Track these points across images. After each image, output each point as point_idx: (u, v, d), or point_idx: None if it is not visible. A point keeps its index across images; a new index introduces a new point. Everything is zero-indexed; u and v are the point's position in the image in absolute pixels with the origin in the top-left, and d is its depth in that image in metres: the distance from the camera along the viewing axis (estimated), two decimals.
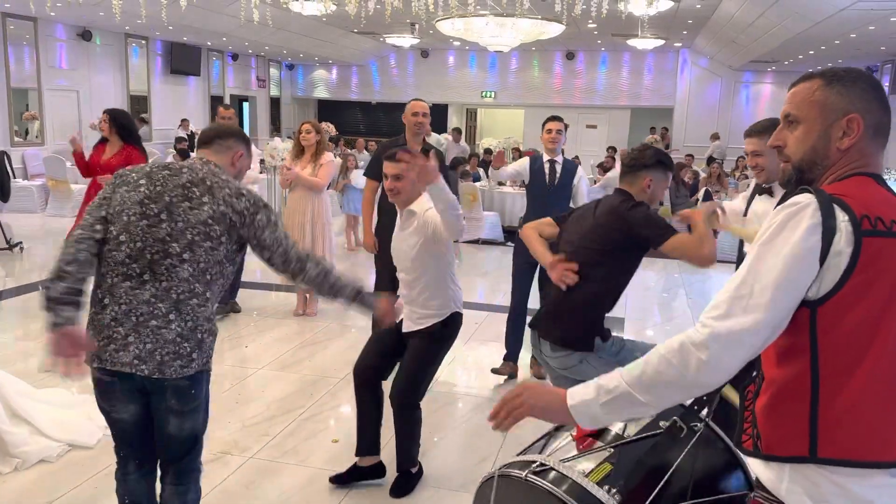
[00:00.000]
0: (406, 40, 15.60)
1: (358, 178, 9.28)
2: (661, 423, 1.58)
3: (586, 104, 18.73)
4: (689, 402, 1.57)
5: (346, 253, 8.77)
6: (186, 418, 2.24)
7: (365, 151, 14.20)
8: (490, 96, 19.49)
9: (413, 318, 3.20)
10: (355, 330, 5.63)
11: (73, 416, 3.65)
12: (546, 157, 4.69)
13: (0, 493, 3.09)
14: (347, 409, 4.15)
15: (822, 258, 1.22)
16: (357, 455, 3.29)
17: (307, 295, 5.97)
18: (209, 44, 16.51)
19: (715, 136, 16.66)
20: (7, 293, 6.28)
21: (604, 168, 12.16)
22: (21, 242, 8.05)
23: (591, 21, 13.23)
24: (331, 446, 3.67)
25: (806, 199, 1.25)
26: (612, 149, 14.27)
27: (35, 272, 7.18)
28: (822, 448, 1.22)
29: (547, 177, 4.67)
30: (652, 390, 1.29)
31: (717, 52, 16.33)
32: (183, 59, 16.11)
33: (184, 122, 15.32)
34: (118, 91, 14.40)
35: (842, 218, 1.22)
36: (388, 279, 4.30)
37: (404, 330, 3.22)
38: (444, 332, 3.19)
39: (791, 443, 1.25)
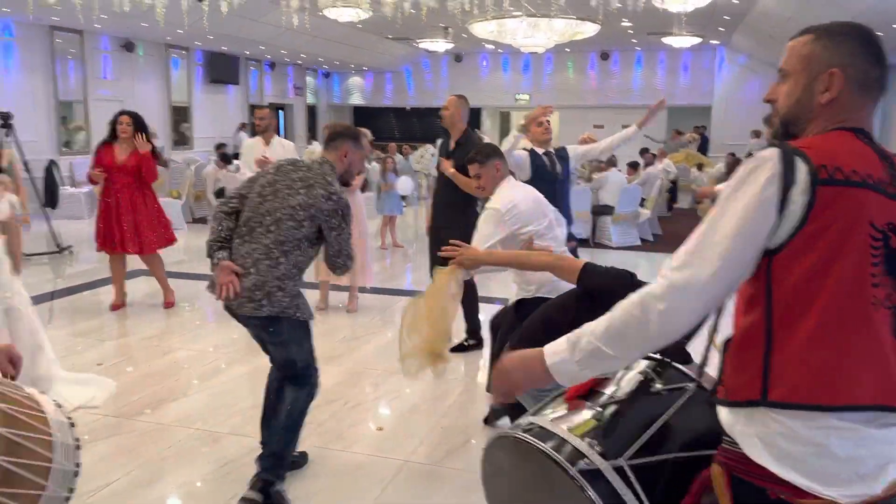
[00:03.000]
0: (439, 45, 15.69)
1: (400, 181, 9.42)
2: (655, 387, 1.62)
3: (622, 104, 18.59)
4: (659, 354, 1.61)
5: (379, 251, 8.97)
6: (277, 348, 2.97)
7: (398, 155, 14.33)
8: (524, 99, 19.47)
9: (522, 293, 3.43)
10: (395, 326, 5.68)
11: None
12: (541, 151, 4.67)
13: None
14: (390, 400, 4.20)
15: (781, 208, 1.24)
16: None
17: (349, 292, 6.07)
18: (247, 53, 16.83)
19: (756, 133, 16.38)
20: (58, 293, 6.47)
21: (646, 163, 12.20)
22: (71, 246, 8.31)
23: (625, 19, 13.17)
24: (376, 434, 3.72)
25: (769, 153, 1.27)
26: (646, 149, 14.13)
27: (84, 274, 7.39)
28: (772, 392, 1.25)
29: (549, 168, 4.64)
30: (618, 343, 1.34)
31: (756, 48, 16.09)
32: (222, 69, 16.44)
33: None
34: (160, 101, 14.75)
35: (801, 169, 1.24)
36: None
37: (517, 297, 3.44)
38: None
39: (746, 388, 1.29)
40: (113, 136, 5.74)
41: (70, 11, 9.10)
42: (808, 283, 1.24)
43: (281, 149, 6.04)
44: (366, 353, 5.02)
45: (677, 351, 1.71)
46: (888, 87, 1.38)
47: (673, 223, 11.51)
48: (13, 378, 1.55)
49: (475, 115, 19.05)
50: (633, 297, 1.33)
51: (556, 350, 1.41)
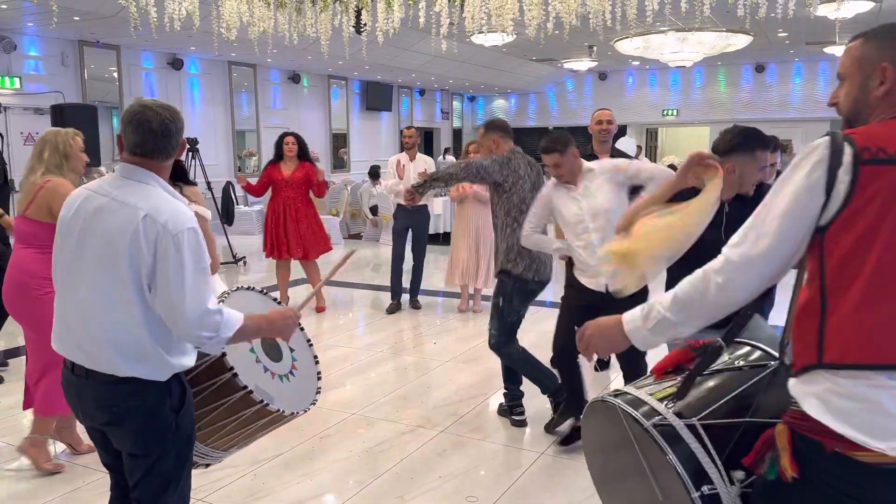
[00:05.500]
0: (583, 63, 15.77)
1: None
2: (738, 363, 1.74)
3: (778, 118, 17.71)
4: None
5: None
6: None
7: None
8: (672, 114, 19.04)
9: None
10: (535, 333, 5.88)
11: None
12: None
13: None
14: (527, 399, 4.40)
15: (829, 189, 1.36)
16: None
17: (474, 295, 6.57)
18: (399, 81, 17.79)
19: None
20: None
21: None
22: (245, 257, 9.25)
23: (780, 30, 12.63)
24: (513, 428, 3.94)
25: (820, 140, 1.41)
26: None
27: (255, 282, 8.22)
28: (827, 355, 1.37)
29: None
30: (681, 311, 1.52)
31: None
32: (377, 97, 17.49)
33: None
34: (322, 128, 15.95)
35: (847, 152, 1.36)
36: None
37: (610, 289, 3.16)
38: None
39: (805, 354, 1.41)
40: (279, 156, 6.45)
41: (247, 47, 10.17)
42: (855, 254, 1.35)
43: (423, 163, 6.74)
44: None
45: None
46: None
47: None
48: None
49: (620, 133, 18.84)
50: (698, 272, 1.51)
51: (631, 318, 1.61)
